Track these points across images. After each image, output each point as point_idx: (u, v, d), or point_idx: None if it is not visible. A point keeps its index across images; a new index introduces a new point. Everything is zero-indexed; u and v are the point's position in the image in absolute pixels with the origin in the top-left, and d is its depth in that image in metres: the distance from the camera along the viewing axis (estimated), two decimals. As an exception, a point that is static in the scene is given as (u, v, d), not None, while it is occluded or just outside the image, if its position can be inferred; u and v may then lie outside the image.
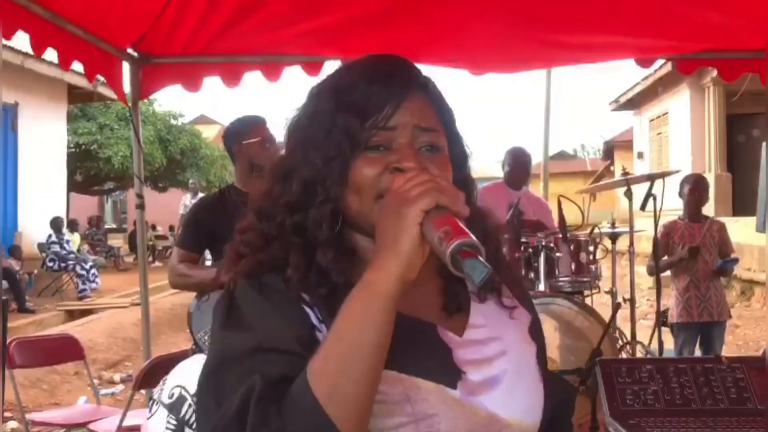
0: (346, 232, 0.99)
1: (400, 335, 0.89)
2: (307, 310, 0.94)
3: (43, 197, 12.11)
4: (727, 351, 6.30)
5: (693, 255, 4.53)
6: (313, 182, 0.97)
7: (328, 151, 0.96)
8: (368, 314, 0.83)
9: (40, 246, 11.96)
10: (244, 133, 3.13)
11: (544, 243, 4.06)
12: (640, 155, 18.52)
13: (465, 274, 0.81)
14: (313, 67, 4.00)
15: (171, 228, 21.12)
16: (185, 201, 14.03)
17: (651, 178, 4.15)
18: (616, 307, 3.06)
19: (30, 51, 3.05)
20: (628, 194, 4.19)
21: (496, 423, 0.96)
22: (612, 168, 24.31)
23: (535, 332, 1.10)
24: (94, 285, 12.08)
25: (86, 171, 17.81)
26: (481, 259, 0.80)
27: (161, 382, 1.47)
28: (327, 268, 0.95)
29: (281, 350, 0.88)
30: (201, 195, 12.29)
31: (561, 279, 4.12)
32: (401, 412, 0.90)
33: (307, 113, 1.02)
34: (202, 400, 0.93)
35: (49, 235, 11.93)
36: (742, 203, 12.54)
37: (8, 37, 2.79)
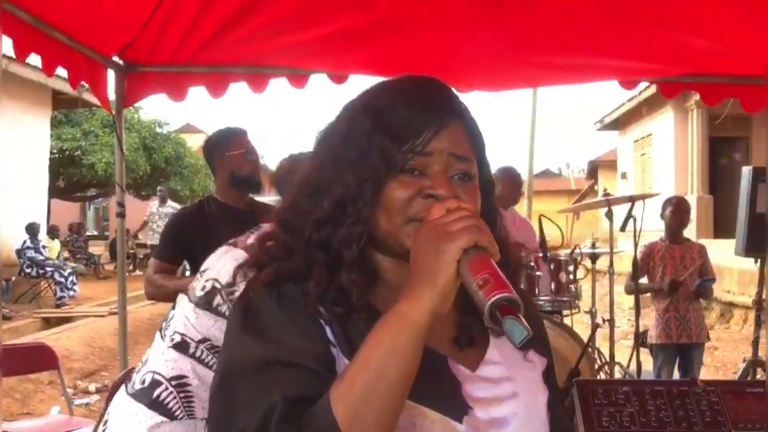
0: (369, 252, 0.99)
1: None
2: (324, 325, 0.93)
3: (23, 203, 11.99)
4: (706, 373, 6.34)
5: (673, 290, 4.55)
6: (345, 201, 0.96)
7: (363, 172, 0.96)
8: (397, 344, 0.83)
9: (18, 252, 11.84)
10: (227, 145, 3.13)
11: (524, 262, 4.06)
12: (624, 175, 18.68)
13: (504, 332, 0.79)
14: (298, 80, 4.00)
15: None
16: (152, 208, 13.88)
17: (632, 199, 4.18)
18: (594, 327, 3.07)
19: (13, 55, 3.03)
20: (609, 215, 4.22)
21: None
22: (596, 187, 24.49)
23: (549, 378, 1.09)
24: (72, 293, 11.95)
25: (69, 177, 17.65)
26: (521, 318, 0.79)
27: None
28: (348, 288, 0.94)
29: (298, 365, 0.87)
30: (170, 203, 12.08)
31: (541, 298, 4.12)
32: None
33: (341, 130, 1.02)
34: (216, 407, 0.92)
35: (24, 241, 11.80)
36: (723, 225, 12.67)
37: (-9, 42, 2.77)
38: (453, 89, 1.04)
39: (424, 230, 0.89)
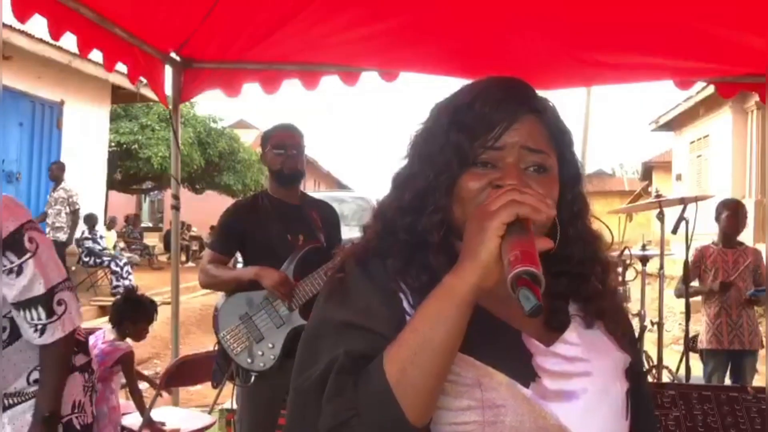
0: (452, 238, 1.05)
1: (485, 333, 0.99)
2: (401, 295, 1.02)
3: (83, 194, 12.36)
4: (762, 382, 6.16)
5: (724, 290, 4.45)
6: (425, 192, 1.05)
7: (440, 165, 1.04)
8: (442, 314, 0.90)
9: (77, 242, 12.20)
10: (265, 142, 3.21)
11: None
12: (679, 177, 18.26)
13: (518, 301, 0.84)
14: (350, 78, 4.04)
15: (211, 228, 21.39)
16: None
17: (683, 201, 4.09)
18: (641, 330, 3.02)
19: (77, 51, 3.14)
20: (660, 217, 4.14)
21: None
22: (650, 189, 23.97)
23: (634, 373, 1.11)
24: (127, 282, 12.27)
25: (126, 170, 18.10)
26: (536, 290, 0.83)
27: None
28: (437, 268, 1.00)
29: (370, 329, 0.97)
30: (64, 185, 10.46)
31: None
32: (471, 395, 0.96)
33: (425, 129, 1.11)
34: (297, 361, 1.03)
35: (83, 231, 12.14)
36: (782, 231, 12.27)
37: (57, 38, 2.88)
38: (531, 87, 1.09)
39: (473, 212, 0.96)
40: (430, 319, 0.91)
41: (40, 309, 1.95)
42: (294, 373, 1.02)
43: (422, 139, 1.10)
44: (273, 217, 3.07)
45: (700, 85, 8.19)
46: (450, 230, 1.04)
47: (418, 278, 1.02)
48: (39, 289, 1.94)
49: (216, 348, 3.01)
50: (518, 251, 0.86)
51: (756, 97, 11.39)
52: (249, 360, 2.91)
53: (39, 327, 1.95)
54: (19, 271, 1.91)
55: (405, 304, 1.01)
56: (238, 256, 3.35)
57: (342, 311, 1.00)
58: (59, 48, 9.93)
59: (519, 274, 0.84)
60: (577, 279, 1.09)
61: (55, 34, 2.82)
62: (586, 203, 1.12)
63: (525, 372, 0.99)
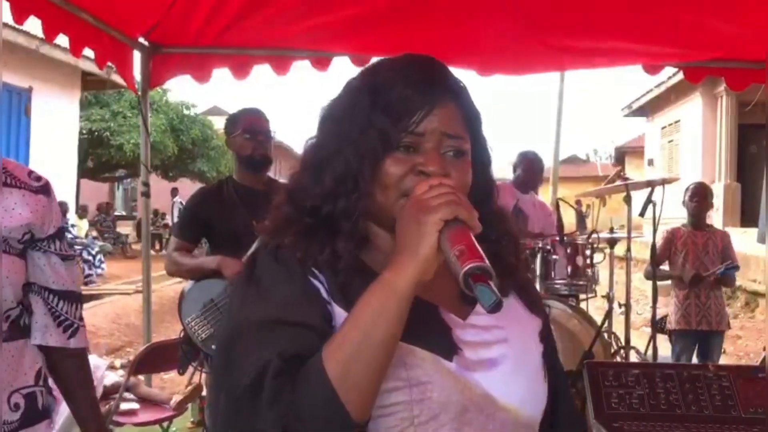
0: (364, 222, 1.04)
1: None
2: (317, 284, 0.99)
3: (53, 182, 12.14)
4: (728, 362, 6.29)
5: (695, 283, 4.54)
6: (345, 176, 1.02)
7: (362, 149, 1.01)
8: (383, 309, 0.89)
9: (48, 230, 12.05)
10: (231, 127, 3.18)
11: (540, 245, 4.08)
12: (651, 162, 18.48)
13: (476, 297, 0.85)
14: (321, 63, 4.03)
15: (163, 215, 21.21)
16: None
17: (651, 184, 4.14)
18: (608, 311, 3.08)
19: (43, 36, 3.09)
20: (627, 200, 4.19)
21: (491, 404, 0.99)
22: (623, 174, 24.22)
23: (545, 336, 1.13)
24: (99, 271, 12.16)
25: (98, 158, 17.88)
26: (492, 285, 0.85)
27: None
28: (342, 253, 1.00)
29: (296, 323, 0.93)
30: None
31: (557, 281, 4.13)
32: (396, 376, 0.95)
33: (342, 106, 1.07)
34: (217, 366, 0.99)
35: (53, 219, 12.01)
36: (750, 214, 12.46)
37: (20, 22, 2.83)
38: (449, 68, 1.07)
39: (407, 205, 0.95)
40: (371, 314, 0.89)
41: (77, 307, 1.69)
42: (218, 378, 0.97)
43: (339, 118, 1.06)
44: (238, 204, 3.05)
45: (671, 70, 8.29)
46: (365, 215, 1.03)
47: (331, 266, 1.00)
48: (78, 287, 1.72)
49: (182, 335, 2.99)
50: (462, 246, 0.87)
51: (725, 82, 11.50)
52: (214, 346, 2.90)
53: (72, 326, 1.68)
54: (68, 257, 1.69)
55: (323, 293, 0.99)
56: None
57: (261, 307, 0.96)
58: (26, 33, 9.74)
59: (472, 271, 0.85)
60: (492, 257, 1.05)
61: (19, 17, 2.77)
62: (495, 184, 1.12)
63: (446, 346, 0.99)
